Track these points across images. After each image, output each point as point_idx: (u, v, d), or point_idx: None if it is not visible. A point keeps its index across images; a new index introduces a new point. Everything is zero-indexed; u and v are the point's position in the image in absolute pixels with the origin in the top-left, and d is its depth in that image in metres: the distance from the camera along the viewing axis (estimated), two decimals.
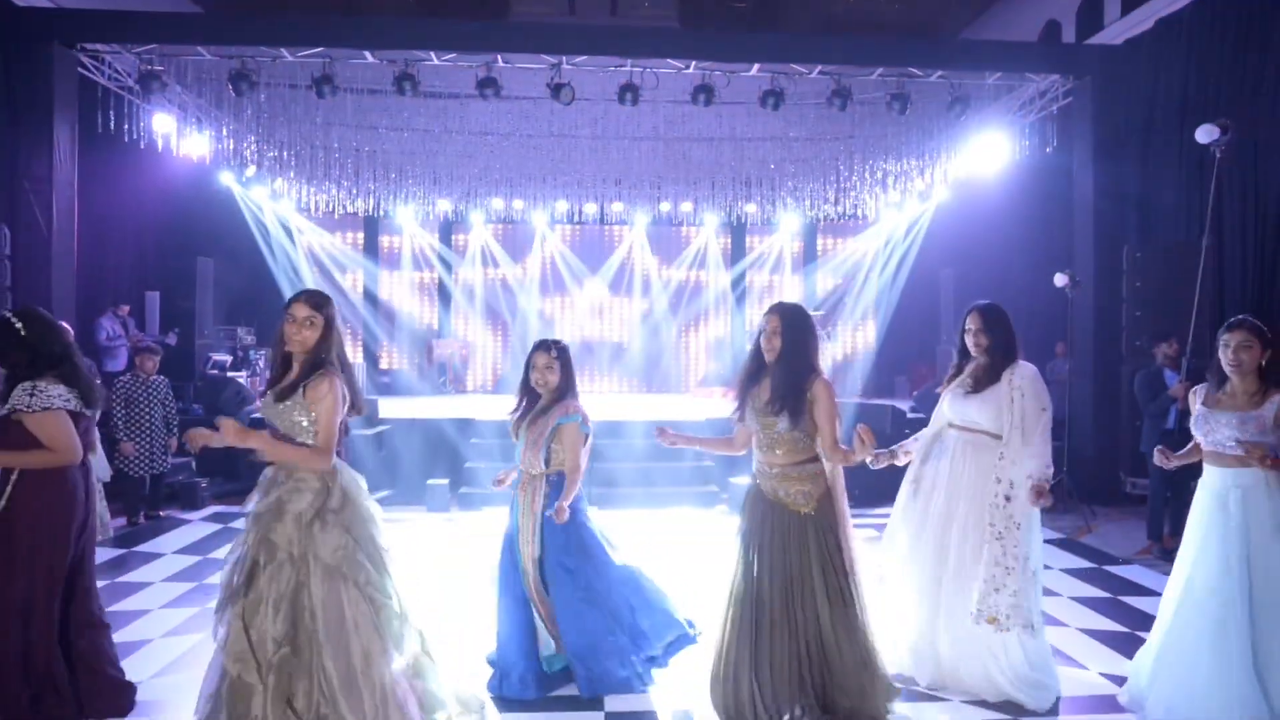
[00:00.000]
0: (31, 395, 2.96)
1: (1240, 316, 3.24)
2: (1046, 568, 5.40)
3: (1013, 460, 3.36)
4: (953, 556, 3.39)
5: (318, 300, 2.85)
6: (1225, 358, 3.15)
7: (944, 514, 3.45)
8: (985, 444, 3.43)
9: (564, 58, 7.87)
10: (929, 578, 3.44)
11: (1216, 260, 7.38)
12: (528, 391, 3.61)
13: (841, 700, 2.99)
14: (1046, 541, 6.21)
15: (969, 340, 3.51)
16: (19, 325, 3.02)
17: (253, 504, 2.84)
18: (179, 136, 9.05)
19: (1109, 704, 3.45)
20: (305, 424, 2.80)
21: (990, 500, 3.35)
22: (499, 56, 7.95)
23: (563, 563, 3.46)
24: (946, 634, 3.42)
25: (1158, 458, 3.37)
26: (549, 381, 3.54)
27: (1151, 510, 5.96)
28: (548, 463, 3.51)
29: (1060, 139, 8.68)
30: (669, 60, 8.04)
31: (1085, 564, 5.65)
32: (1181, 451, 3.40)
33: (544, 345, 3.58)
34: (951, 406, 3.56)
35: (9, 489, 3.01)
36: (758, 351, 3.14)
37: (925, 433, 3.70)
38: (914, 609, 3.51)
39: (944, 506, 3.46)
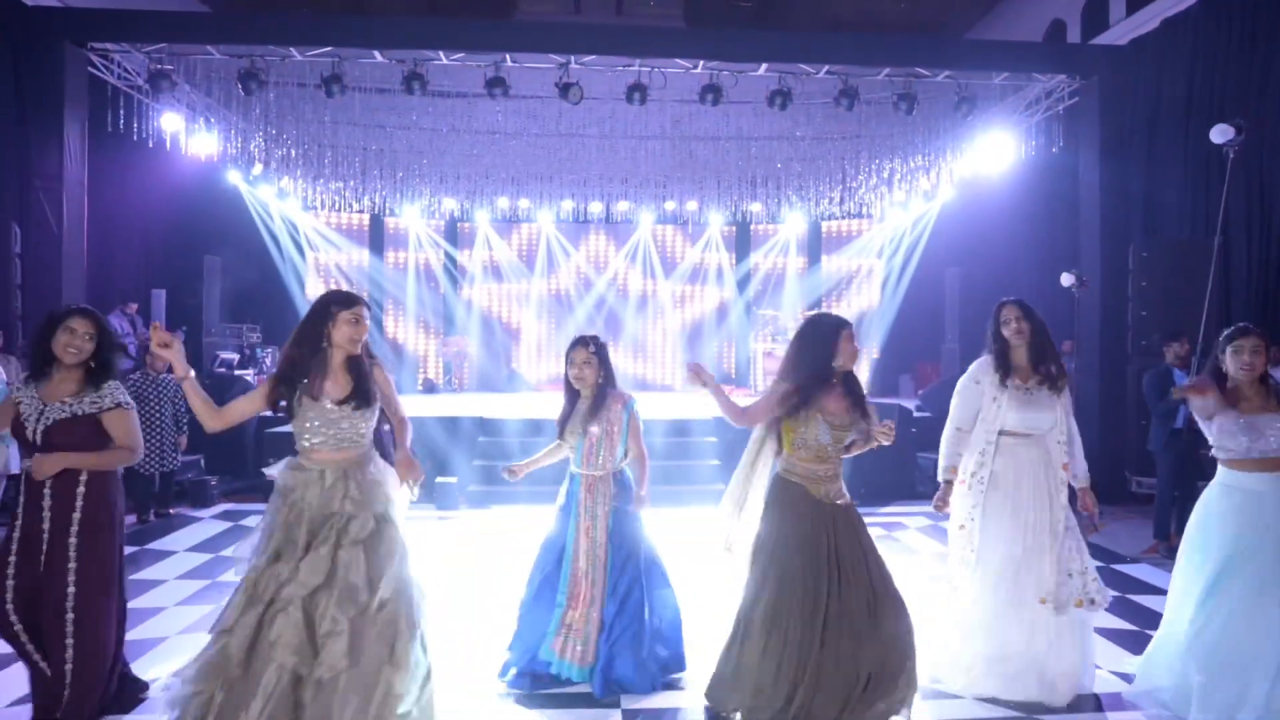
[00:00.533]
0: (123, 394, 3.07)
1: (1245, 324, 3.33)
2: None
3: (1066, 455, 3.52)
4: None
5: (368, 302, 2.98)
6: (1238, 361, 3.24)
7: (1034, 520, 3.44)
8: (1039, 442, 3.53)
9: (572, 57, 7.89)
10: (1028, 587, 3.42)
11: (1223, 259, 7.40)
12: (569, 390, 3.65)
13: (885, 693, 2.94)
14: None
15: (1009, 330, 3.53)
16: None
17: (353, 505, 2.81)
18: (187, 135, 9.08)
19: (1119, 701, 3.47)
20: (364, 429, 2.88)
21: (1057, 495, 3.46)
22: (507, 56, 7.98)
23: (626, 570, 3.49)
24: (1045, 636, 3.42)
25: (1189, 393, 3.34)
26: (586, 377, 3.57)
27: (1159, 509, 5.97)
28: (623, 456, 3.61)
29: (1066, 138, 8.70)
30: (677, 60, 8.06)
31: (1093, 563, 5.66)
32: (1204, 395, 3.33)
33: (582, 340, 3.62)
34: (1019, 415, 3.48)
35: (82, 488, 3.00)
36: (829, 360, 3.08)
37: (974, 447, 3.57)
38: (1008, 622, 3.44)
39: (1032, 514, 3.45)
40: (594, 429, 3.54)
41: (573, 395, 3.65)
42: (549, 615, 3.51)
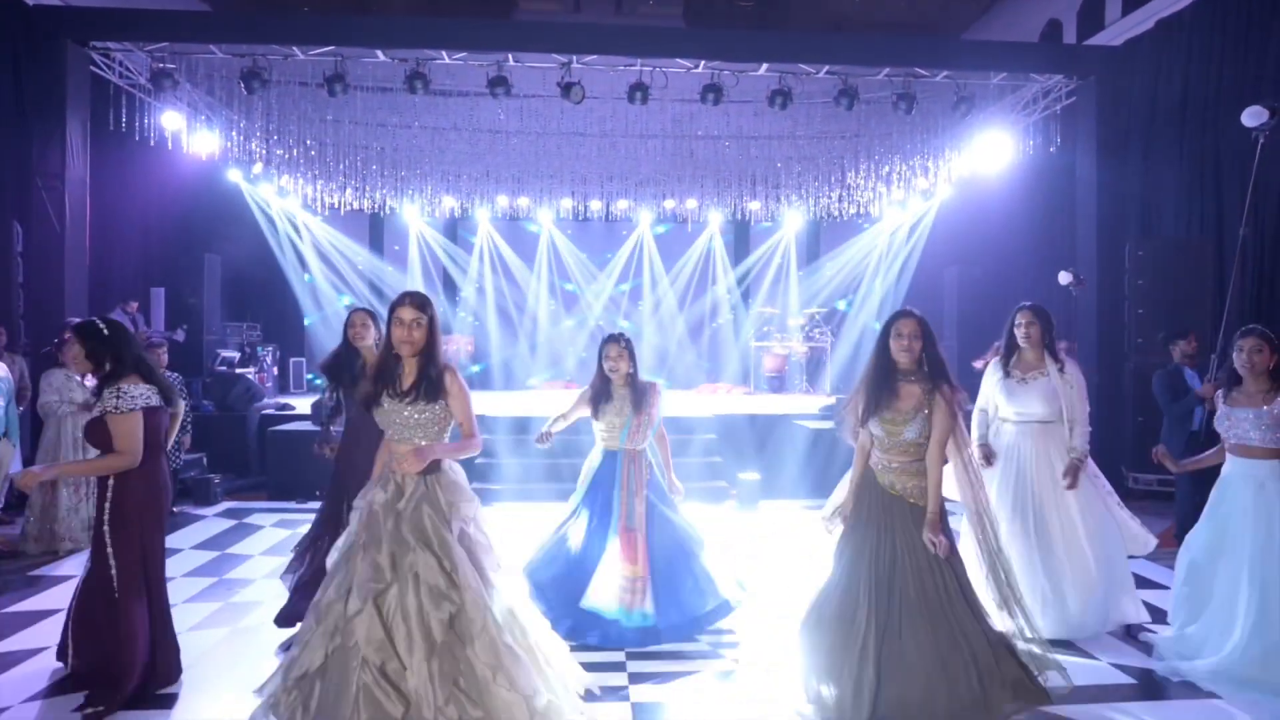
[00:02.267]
0: (118, 398, 3.23)
1: (1252, 325, 3.71)
2: None
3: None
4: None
5: (421, 301, 3.00)
6: (1239, 360, 3.64)
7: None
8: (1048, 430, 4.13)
9: (574, 57, 7.93)
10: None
11: (1217, 255, 7.48)
12: (601, 377, 4.21)
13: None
14: None
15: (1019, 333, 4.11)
16: (103, 328, 3.31)
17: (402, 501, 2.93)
18: (188, 134, 9.09)
19: (1116, 692, 3.54)
20: (419, 419, 2.94)
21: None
22: (509, 55, 8.01)
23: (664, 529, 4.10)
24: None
25: (1164, 460, 3.80)
26: (620, 368, 4.17)
27: (1180, 519, 5.72)
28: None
29: (1063, 138, 8.76)
30: (678, 60, 8.11)
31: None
32: (1199, 456, 3.88)
33: (614, 338, 4.25)
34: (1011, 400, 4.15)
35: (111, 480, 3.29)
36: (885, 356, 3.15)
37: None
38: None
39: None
40: (639, 417, 4.12)
41: (605, 382, 4.21)
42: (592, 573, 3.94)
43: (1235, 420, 3.65)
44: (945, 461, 3.08)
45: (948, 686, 2.85)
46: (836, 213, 12.05)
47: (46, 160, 7.49)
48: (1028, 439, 4.09)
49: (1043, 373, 4.06)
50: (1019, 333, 4.08)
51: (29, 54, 7.51)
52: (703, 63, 8.15)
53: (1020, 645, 3.00)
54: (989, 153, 9.65)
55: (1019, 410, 4.10)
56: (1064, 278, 7.51)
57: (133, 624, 3.28)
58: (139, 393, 3.25)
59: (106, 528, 3.26)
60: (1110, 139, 8.22)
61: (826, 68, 8.30)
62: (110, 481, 3.27)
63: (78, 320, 3.46)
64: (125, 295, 9.52)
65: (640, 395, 4.15)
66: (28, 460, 6.29)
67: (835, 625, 3.03)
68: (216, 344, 10.48)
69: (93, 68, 7.93)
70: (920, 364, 3.05)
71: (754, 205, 12.54)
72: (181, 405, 3.64)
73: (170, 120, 8.72)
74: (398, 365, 2.99)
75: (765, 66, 8.23)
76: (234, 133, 9.56)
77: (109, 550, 3.26)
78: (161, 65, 7.96)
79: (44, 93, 7.52)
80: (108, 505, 3.26)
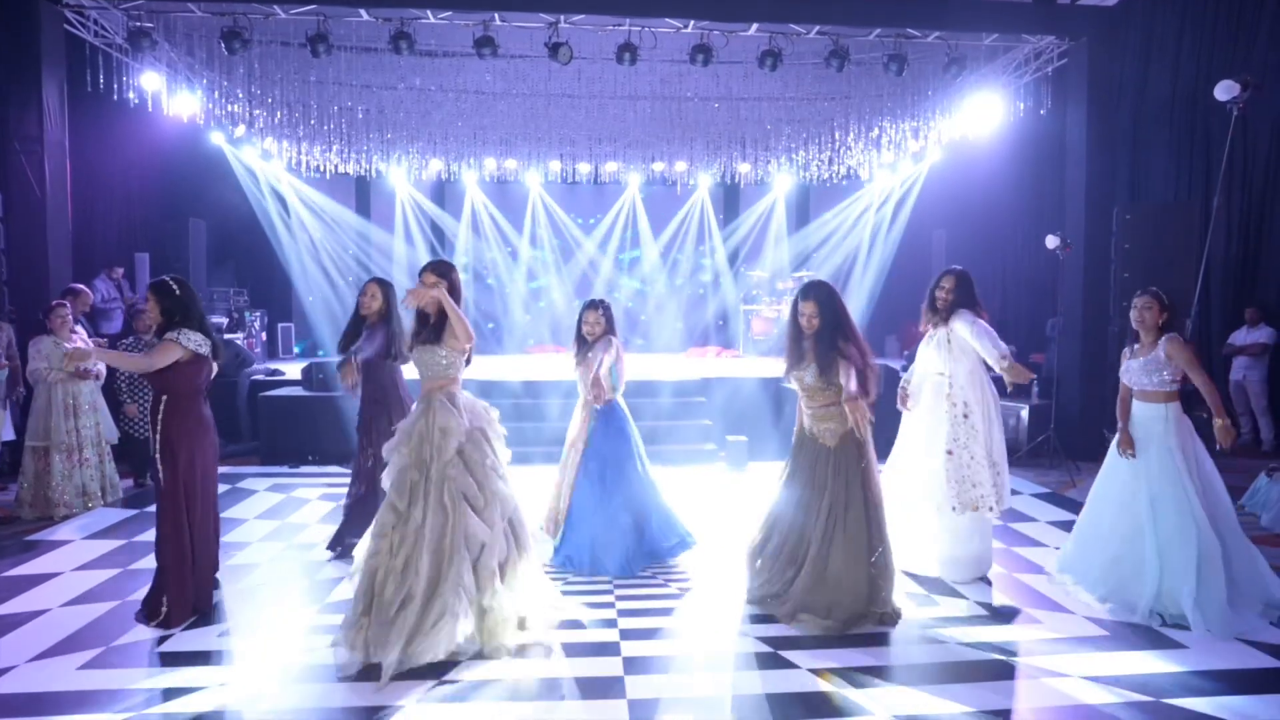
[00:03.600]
0: (180, 334, 3.79)
1: (1149, 286, 4.10)
2: (1032, 520, 5.64)
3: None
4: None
5: (441, 269, 3.56)
6: (1134, 317, 4.06)
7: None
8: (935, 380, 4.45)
9: (562, 16, 7.80)
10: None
11: (1203, 221, 7.54)
12: (580, 341, 4.64)
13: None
14: (1033, 495, 6.45)
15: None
16: (175, 287, 3.87)
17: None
18: (168, 95, 8.91)
19: (1094, 643, 3.67)
20: (444, 362, 3.51)
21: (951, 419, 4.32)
22: (496, 15, 7.86)
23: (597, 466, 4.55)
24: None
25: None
26: (597, 333, 4.59)
27: None
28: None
29: (1055, 100, 8.73)
30: (667, 19, 7.99)
31: (1069, 516, 5.88)
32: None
33: (592, 305, 4.63)
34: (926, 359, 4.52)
35: (160, 416, 3.78)
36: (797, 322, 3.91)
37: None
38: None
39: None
40: (581, 364, 4.59)
41: (584, 343, 4.62)
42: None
43: (1131, 370, 4.09)
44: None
45: (850, 598, 3.69)
46: (826, 175, 12.00)
47: (23, 123, 7.34)
48: (927, 393, 4.44)
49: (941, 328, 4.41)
50: (939, 294, 4.42)
51: (0, 12, 7.31)
52: (692, 23, 8.04)
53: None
54: (979, 115, 9.60)
55: (923, 366, 4.45)
56: (1051, 241, 7.56)
57: (164, 548, 3.75)
58: (198, 339, 3.81)
59: (157, 456, 3.74)
60: (1101, 101, 8.19)
61: (817, 28, 8.21)
62: (160, 418, 3.75)
63: (152, 280, 3.91)
64: (110, 261, 9.43)
65: (587, 347, 4.59)
66: (19, 427, 6.29)
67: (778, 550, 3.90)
68: (204, 309, 10.39)
69: (67, 26, 7.73)
70: (821, 331, 3.74)
71: (744, 167, 12.46)
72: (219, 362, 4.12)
73: (149, 81, 8.53)
74: (429, 319, 3.54)
75: (755, 27, 8.12)
76: (215, 94, 9.36)
77: (160, 477, 3.74)
78: (138, 24, 7.76)
79: (17, 53, 7.33)
80: (157, 438, 3.73)
